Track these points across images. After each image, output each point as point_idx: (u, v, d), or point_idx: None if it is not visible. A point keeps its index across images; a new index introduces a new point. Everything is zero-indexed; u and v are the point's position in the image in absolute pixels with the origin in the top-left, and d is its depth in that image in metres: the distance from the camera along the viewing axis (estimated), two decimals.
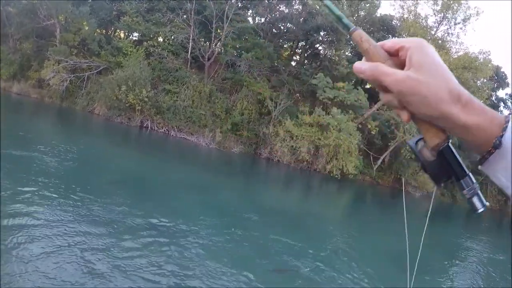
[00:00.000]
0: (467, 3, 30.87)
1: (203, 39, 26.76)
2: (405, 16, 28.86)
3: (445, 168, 0.63)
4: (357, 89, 26.06)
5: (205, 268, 6.62)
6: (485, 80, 29.63)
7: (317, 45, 27.76)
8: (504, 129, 0.58)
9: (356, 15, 29.48)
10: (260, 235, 9.42)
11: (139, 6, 27.48)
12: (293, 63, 29.40)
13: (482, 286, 10.83)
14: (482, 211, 0.64)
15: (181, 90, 25.50)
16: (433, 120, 0.61)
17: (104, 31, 29.26)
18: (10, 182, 8.01)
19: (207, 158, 22.50)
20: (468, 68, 27.79)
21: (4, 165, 8.84)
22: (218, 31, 26.53)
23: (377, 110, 27.35)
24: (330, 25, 25.87)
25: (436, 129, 0.62)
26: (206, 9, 26.31)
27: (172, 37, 26.65)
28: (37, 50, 26.48)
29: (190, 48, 26.24)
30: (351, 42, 29.59)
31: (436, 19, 28.55)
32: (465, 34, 46.60)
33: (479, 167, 0.63)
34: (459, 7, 27.58)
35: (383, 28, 29.57)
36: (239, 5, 28.00)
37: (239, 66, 25.62)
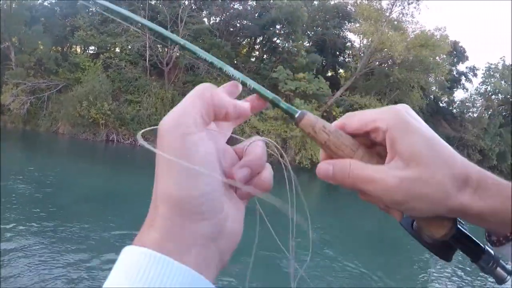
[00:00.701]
0: None
1: (160, 45, 26.71)
2: (359, 0, 29.15)
3: (454, 243, 0.51)
4: (318, 78, 26.30)
5: None
6: (444, 56, 30.11)
7: (275, 39, 27.90)
8: None
9: (310, 5, 29.63)
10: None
11: (93, 19, 27.23)
12: (253, 59, 29.48)
13: None
14: (509, 279, 0.51)
15: (143, 98, 25.49)
16: (437, 215, 0.47)
17: (59, 48, 28.94)
18: None
19: None
20: (425, 46, 28.17)
21: None
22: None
23: (340, 96, 27.74)
24: (284, 17, 26.00)
25: (439, 218, 0.48)
26: (160, 14, 26.21)
27: (129, 47, 26.50)
28: None
29: (147, 56, 26.18)
30: (308, 32, 29.81)
31: (390, 1, 28.89)
32: (419, 13, 46.61)
33: (491, 248, 0.51)
34: None
35: (338, 15, 29.80)
36: (193, 7, 27.96)
37: (198, 68, 25.70)
